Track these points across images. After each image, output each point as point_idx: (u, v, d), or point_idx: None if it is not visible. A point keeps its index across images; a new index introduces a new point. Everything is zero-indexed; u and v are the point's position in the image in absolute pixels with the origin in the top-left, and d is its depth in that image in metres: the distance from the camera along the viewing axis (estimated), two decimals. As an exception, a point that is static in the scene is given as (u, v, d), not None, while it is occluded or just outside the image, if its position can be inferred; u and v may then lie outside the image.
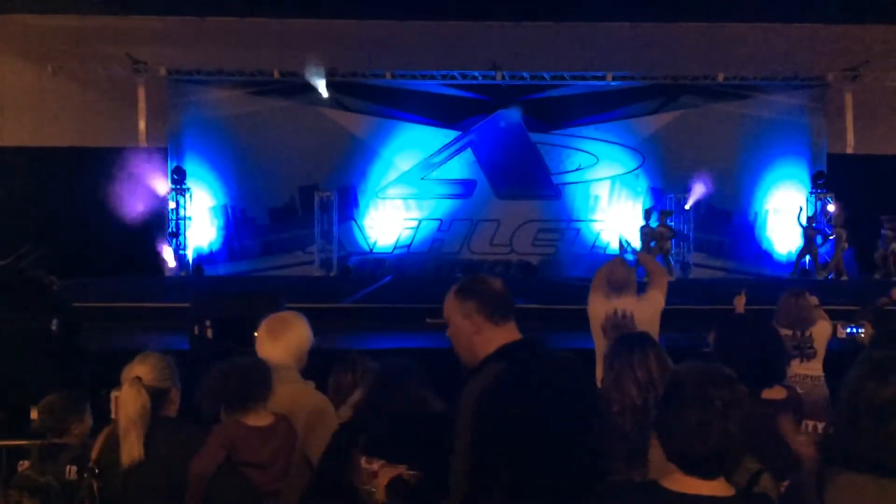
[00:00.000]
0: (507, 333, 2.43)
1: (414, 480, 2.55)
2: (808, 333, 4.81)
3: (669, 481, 1.90)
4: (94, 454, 3.02)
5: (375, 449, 2.64)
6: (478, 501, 2.25)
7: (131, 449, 2.86)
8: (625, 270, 5.18)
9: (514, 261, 16.52)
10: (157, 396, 2.99)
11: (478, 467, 2.25)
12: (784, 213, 15.85)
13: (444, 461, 2.36)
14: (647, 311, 4.97)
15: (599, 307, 5.04)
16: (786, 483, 2.42)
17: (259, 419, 3.05)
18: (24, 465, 3.63)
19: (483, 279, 2.54)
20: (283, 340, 3.38)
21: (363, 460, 2.65)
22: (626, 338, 3.40)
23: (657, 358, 3.12)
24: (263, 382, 3.07)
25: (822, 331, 4.94)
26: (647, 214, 15.29)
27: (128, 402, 2.90)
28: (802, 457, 2.41)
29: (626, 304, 4.99)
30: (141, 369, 3.01)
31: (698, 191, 15.83)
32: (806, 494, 2.13)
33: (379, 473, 2.58)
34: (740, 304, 5.33)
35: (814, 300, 5.10)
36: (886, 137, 15.75)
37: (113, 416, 3.04)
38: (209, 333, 5.90)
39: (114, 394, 3.04)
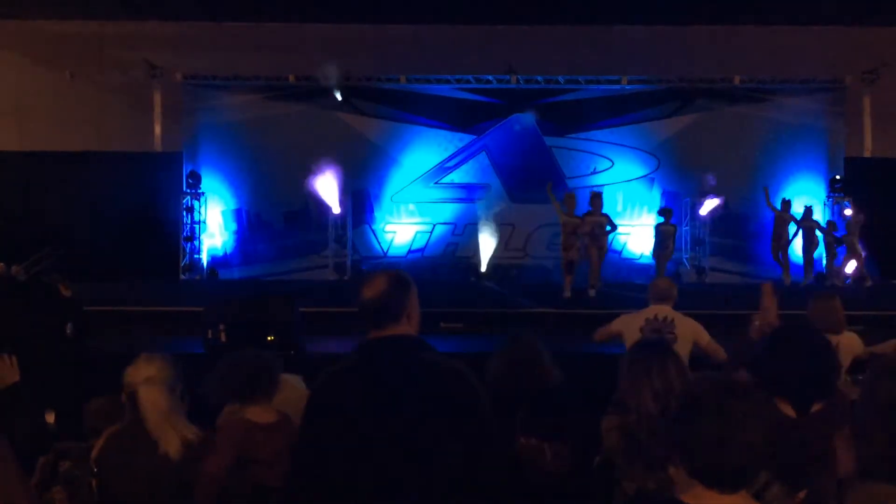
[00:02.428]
0: (384, 332, 2.40)
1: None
2: (836, 343, 4.42)
3: (691, 497, 1.83)
4: (94, 453, 3.02)
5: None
6: (300, 481, 2.30)
7: (168, 443, 2.85)
8: (667, 282, 5.26)
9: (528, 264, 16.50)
10: (173, 394, 3.01)
11: (302, 448, 2.35)
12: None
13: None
14: (689, 327, 4.93)
15: (634, 318, 5.02)
16: (802, 494, 2.38)
17: (264, 416, 3.06)
18: (65, 464, 3.62)
19: (364, 285, 2.45)
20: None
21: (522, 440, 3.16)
22: (644, 344, 3.36)
23: (676, 367, 3.08)
24: (270, 375, 3.08)
25: (850, 343, 4.75)
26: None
27: (156, 401, 2.89)
28: (842, 467, 2.36)
29: (667, 311, 5.00)
30: (150, 369, 3.02)
31: (710, 204, 15.69)
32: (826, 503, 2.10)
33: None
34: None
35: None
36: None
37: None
38: (223, 337, 5.90)
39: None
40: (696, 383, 1.96)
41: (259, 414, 3.07)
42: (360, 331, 2.47)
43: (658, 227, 14.36)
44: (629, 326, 4.96)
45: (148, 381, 2.96)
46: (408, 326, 2.44)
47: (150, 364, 3.07)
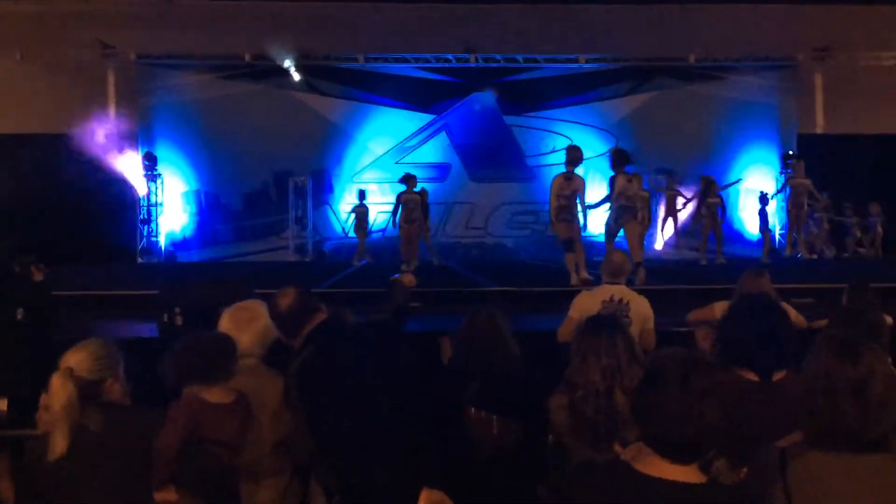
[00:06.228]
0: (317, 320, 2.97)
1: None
2: None
3: (643, 464, 1.89)
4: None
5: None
6: (321, 449, 2.77)
7: (56, 445, 2.72)
8: (621, 256, 5.06)
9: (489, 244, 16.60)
10: (88, 388, 2.83)
11: (314, 424, 2.72)
12: (756, 194, 15.95)
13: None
14: (643, 308, 4.78)
15: (589, 302, 4.83)
16: (745, 470, 2.44)
17: (221, 396, 3.05)
18: None
19: (277, 300, 3.02)
20: (248, 331, 3.35)
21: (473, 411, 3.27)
22: (594, 321, 3.38)
23: (625, 344, 3.11)
24: (227, 358, 3.07)
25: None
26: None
27: (56, 395, 2.75)
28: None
29: (622, 291, 4.86)
30: (74, 358, 2.87)
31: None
32: (768, 474, 2.15)
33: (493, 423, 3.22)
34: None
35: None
36: (856, 118, 15.88)
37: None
38: (178, 321, 5.85)
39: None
40: (663, 356, 2.00)
41: (215, 393, 3.05)
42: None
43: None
44: (586, 311, 4.68)
45: (62, 371, 2.79)
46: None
47: (77, 353, 2.90)
